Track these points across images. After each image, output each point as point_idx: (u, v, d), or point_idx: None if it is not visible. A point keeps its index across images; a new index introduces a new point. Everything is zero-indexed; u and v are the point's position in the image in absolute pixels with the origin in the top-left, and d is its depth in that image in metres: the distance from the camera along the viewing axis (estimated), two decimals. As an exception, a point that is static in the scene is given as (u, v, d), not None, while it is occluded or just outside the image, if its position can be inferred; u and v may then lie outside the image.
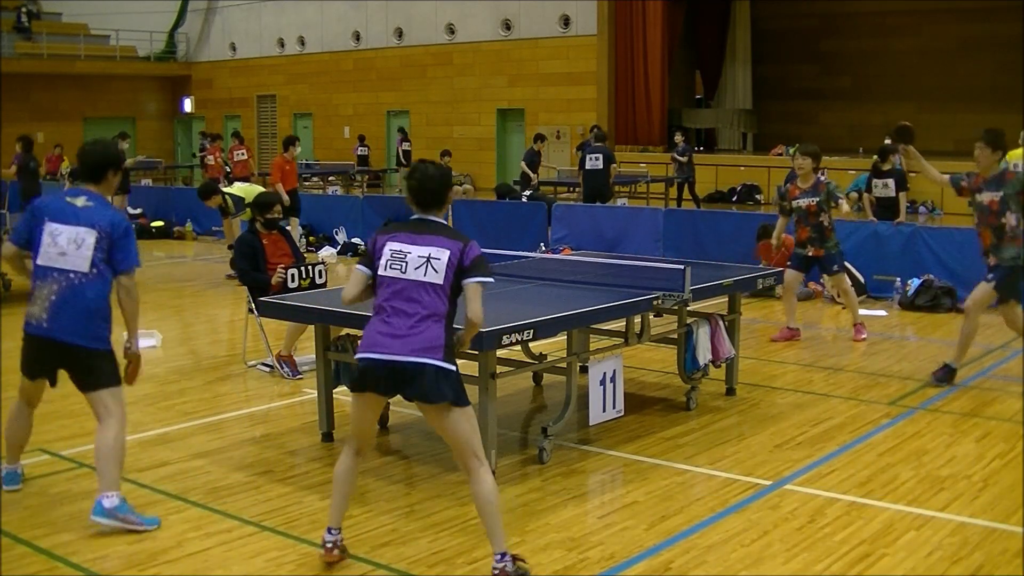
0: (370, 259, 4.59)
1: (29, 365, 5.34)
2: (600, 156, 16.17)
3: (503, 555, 4.43)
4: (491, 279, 4.59)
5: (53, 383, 5.40)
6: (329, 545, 4.61)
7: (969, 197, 7.82)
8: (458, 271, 4.45)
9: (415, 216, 4.62)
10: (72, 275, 5.10)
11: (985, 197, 7.65)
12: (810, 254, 9.36)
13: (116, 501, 5.03)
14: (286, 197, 14.46)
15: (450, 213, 16.39)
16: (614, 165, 16.71)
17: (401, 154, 26.95)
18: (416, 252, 4.47)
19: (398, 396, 4.58)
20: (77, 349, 5.14)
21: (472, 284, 4.47)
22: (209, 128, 34.21)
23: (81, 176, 5.31)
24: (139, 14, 34.21)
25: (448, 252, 4.45)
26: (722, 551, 4.79)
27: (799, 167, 9.42)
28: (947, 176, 8.04)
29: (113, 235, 5.12)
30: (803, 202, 9.31)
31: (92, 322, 5.14)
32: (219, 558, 4.72)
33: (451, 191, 4.70)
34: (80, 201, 5.18)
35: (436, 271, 4.44)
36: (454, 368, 4.46)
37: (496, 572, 4.41)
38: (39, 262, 5.19)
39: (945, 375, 7.86)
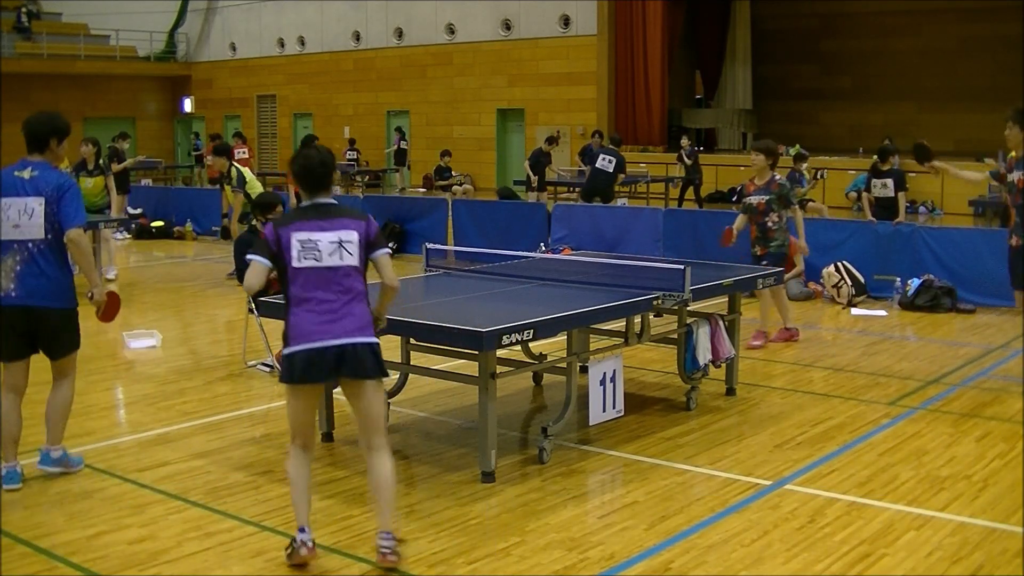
0: (270, 251, 4.65)
1: (5, 344, 5.56)
2: (614, 160, 16.11)
3: (390, 533, 4.60)
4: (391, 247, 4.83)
5: (34, 350, 5.66)
6: (310, 544, 4.59)
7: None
8: (366, 247, 4.66)
9: (308, 202, 4.73)
10: (30, 244, 5.45)
11: (1016, 176, 7.45)
12: (758, 253, 9.18)
13: (60, 452, 5.77)
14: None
15: (450, 213, 16.43)
16: (622, 175, 16.67)
17: (395, 153, 26.86)
18: (327, 238, 4.60)
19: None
20: (47, 312, 5.50)
21: (382, 255, 4.71)
22: (209, 128, 34.26)
23: (27, 146, 5.62)
24: (139, 14, 34.22)
25: (356, 233, 4.63)
26: (722, 551, 4.79)
27: (752, 163, 9.16)
28: (983, 173, 8.08)
29: (58, 196, 5.48)
30: (753, 199, 9.05)
31: (56, 284, 5.52)
32: (219, 558, 4.72)
33: (335, 172, 4.88)
34: (27, 173, 5.54)
35: (351, 253, 4.61)
36: (379, 342, 4.72)
37: (385, 549, 4.56)
38: (1, 238, 5.49)
39: None
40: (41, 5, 36.17)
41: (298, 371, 4.58)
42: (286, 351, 4.66)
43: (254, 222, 8.51)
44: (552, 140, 19.97)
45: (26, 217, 5.45)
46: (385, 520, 4.62)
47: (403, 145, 26.72)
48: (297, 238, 4.59)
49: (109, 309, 5.89)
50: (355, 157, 28.07)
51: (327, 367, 4.56)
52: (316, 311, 4.57)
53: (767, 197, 8.97)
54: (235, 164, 12.80)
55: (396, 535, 4.65)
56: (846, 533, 4.99)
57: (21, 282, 5.44)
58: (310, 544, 4.60)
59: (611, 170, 16.00)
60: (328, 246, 4.58)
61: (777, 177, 9.06)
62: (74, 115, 32.96)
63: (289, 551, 4.63)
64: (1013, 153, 7.71)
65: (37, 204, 5.44)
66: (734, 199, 23.89)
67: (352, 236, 4.61)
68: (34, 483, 5.69)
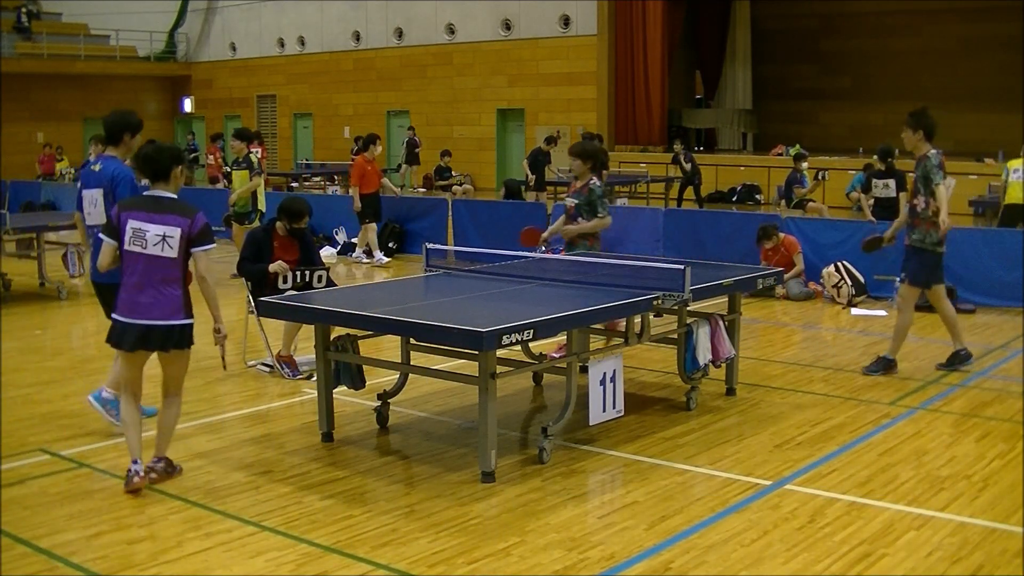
0: (115, 231, 5.44)
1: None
2: None
3: (161, 459, 5.60)
4: (213, 245, 5.46)
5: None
6: (141, 473, 5.43)
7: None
8: (188, 242, 5.36)
9: (148, 192, 5.50)
10: (96, 230, 6.13)
11: (918, 173, 8.08)
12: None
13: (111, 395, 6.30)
14: (358, 203, 14.19)
15: (449, 213, 16.38)
16: (605, 172, 16.69)
17: (407, 147, 26.66)
18: (153, 231, 5.34)
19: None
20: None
21: (199, 251, 5.41)
22: (209, 128, 34.27)
23: (105, 141, 6.42)
24: (139, 14, 34.24)
25: (179, 229, 5.34)
26: (722, 551, 4.79)
27: (571, 168, 8.79)
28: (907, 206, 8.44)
29: (112, 186, 6.21)
30: (568, 201, 8.71)
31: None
32: (219, 558, 4.72)
33: (178, 168, 5.54)
34: (97, 166, 6.44)
35: (171, 247, 5.35)
36: (191, 320, 5.52)
37: (150, 470, 5.50)
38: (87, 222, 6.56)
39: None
40: (41, 5, 36.17)
41: (113, 337, 5.46)
42: (114, 315, 5.48)
43: (276, 223, 8.25)
44: (551, 140, 19.96)
45: (92, 206, 6.39)
46: (162, 449, 5.62)
47: (416, 140, 26.49)
48: (131, 225, 5.37)
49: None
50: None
51: (139, 340, 5.39)
52: (137, 290, 5.38)
53: (576, 201, 8.54)
54: (252, 150, 12.97)
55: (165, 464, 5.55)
56: (846, 533, 4.99)
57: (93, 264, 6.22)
58: (141, 473, 5.42)
59: None
60: (153, 238, 5.34)
61: (594, 183, 8.48)
62: (74, 115, 33.05)
63: (126, 480, 5.42)
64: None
65: (99, 194, 6.32)
66: (734, 199, 23.94)
67: (175, 232, 5.34)
68: (34, 483, 5.69)
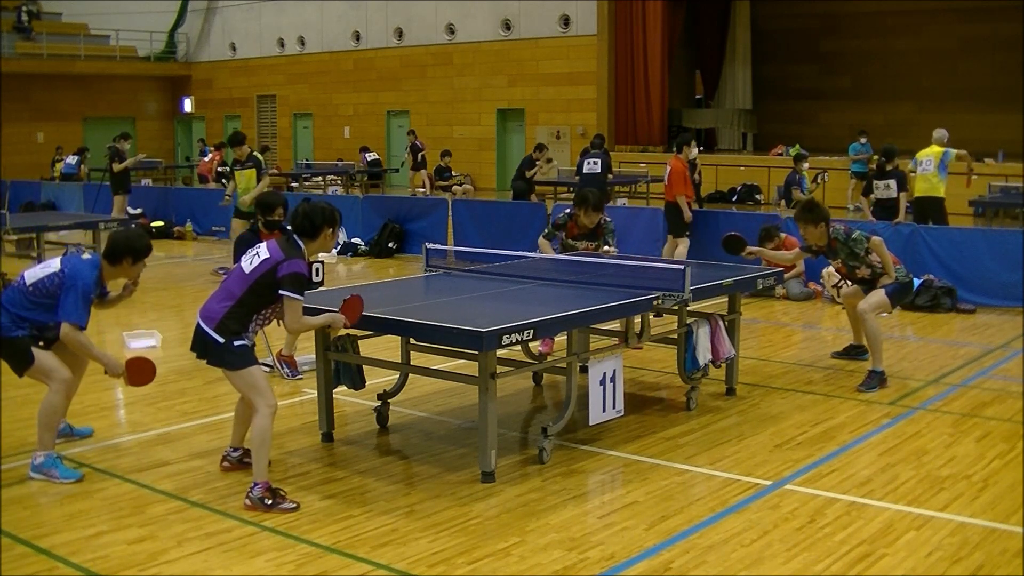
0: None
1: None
2: (599, 162, 16.15)
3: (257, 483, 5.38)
4: (300, 297, 5.37)
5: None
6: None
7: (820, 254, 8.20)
8: (273, 276, 5.32)
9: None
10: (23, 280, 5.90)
11: (833, 266, 8.19)
12: None
13: (41, 458, 5.74)
14: (688, 212, 12.36)
15: (449, 213, 16.36)
16: (610, 174, 16.73)
17: (411, 153, 26.61)
18: (257, 251, 5.46)
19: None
20: None
21: (286, 297, 5.35)
22: (209, 128, 34.26)
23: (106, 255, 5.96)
24: (139, 14, 34.22)
25: (270, 255, 5.37)
26: (722, 551, 4.79)
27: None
28: (796, 252, 8.49)
29: (65, 283, 5.72)
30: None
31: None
32: (219, 558, 4.72)
33: (329, 230, 5.51)
34: (87, 255, 6.13)
35: (252, 265, 5.38)
36: (224, 340, 5.36)
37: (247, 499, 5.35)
38: None
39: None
40: (41, 5, 36.15)
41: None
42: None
43: (258, 223, 8.37)
44: (541, 147, 20.11)
45: (42, 269, 5.90)
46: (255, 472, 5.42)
47: (419, 144, 26.44)
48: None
49: (133, 375, 5.97)
50: (375, 158, 28.05)
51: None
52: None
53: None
54: (256, 154, 13.13)
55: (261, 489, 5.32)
56: (846, 533, 4.99)
57: None
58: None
59: (599, 171, 16.03)
60: (252, 255, 5.48)
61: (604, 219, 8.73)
62: (74, 115, 33.06)
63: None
64: (812, 245, 8.08)
65: (51, 270, 5.82)
66: (734, 199, 23.93)
67: (266, 255, 5.41)
68: (34, 483, 5.69)
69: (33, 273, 5.80)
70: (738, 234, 8.18)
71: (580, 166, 16.61)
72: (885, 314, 10.65)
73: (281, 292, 5.32)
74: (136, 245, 5.91)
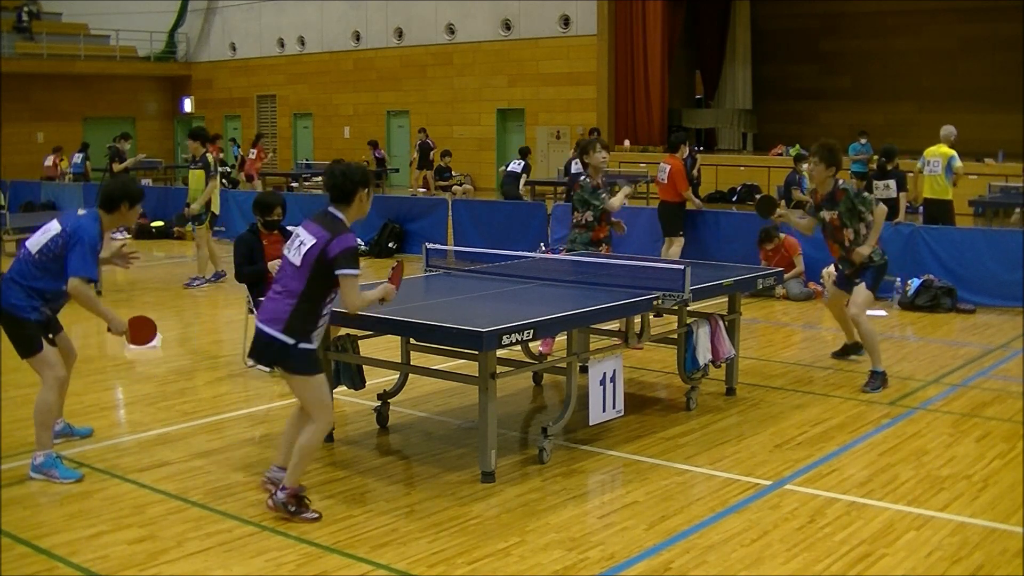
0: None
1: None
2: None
3: (285, 488, 5.13)
4: (357, 271, 5.03)
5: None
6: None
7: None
8: (323, 260, 4.95)
9: (326, 209, 5.15)
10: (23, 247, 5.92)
11: (825, 215, 7.92)
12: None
13: (41, 458, 5.70)
14: (697, 202, 13.02)
15: (449, 213, 16.36)
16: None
17: (420, 152, 26.61)
18: (301, 237, 5.08)
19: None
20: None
21: (343, 276, 5.00)
22: (210, 128, 34.22)
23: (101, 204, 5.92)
24: (139, 14, 34.23)
25: (315, 240, 4.99)
26: (722, 551, 4.79)
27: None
28: (809, 219, 8.25)
29: (67, 242, 5.68)
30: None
31: None
32: (219, 558, 4.72)
33: (364, 191, 5.12)
34: (82, 211, 5.95)
35: (299, 253, 5.03)
36: (292, 341, 5.03)
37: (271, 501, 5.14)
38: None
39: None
40: (41, 5, 36.15)
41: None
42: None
43: (256, 223, 8.39)
44: (525, 151, 20.55)
45: (42, 233, 5.83)
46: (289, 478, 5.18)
47: (430, 143, 26.42)
48: (296, 232, 5.16)
49: (136, 333, 6.03)
50: (382, 156, 28.03)
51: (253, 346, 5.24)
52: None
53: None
54: (209, 152, 12.76)
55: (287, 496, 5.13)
56: (846, 533, 4.99)
57: None
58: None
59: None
60: (296, 241, 5.10)
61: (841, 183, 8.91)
62: (74, 115, 33.04)
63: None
64: (816, 187, 8.07)
65: (51, 232, 5.78)
66: (734, 199, 23.93)
67: (311, 241, 5.02)
68: (34, 483, 5.69)
69: (35, 241, 5.75)
70: (771, 196, 8.26)
71: (568, 167, 16.85)
72: (882, 313, 10.68)
73: (337, 272, 4.94)
74: (131, 189, 5.92)
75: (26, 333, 5.71)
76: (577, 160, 16.41)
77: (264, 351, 5.07)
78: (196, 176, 12.68)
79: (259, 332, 5.05)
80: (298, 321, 5.00)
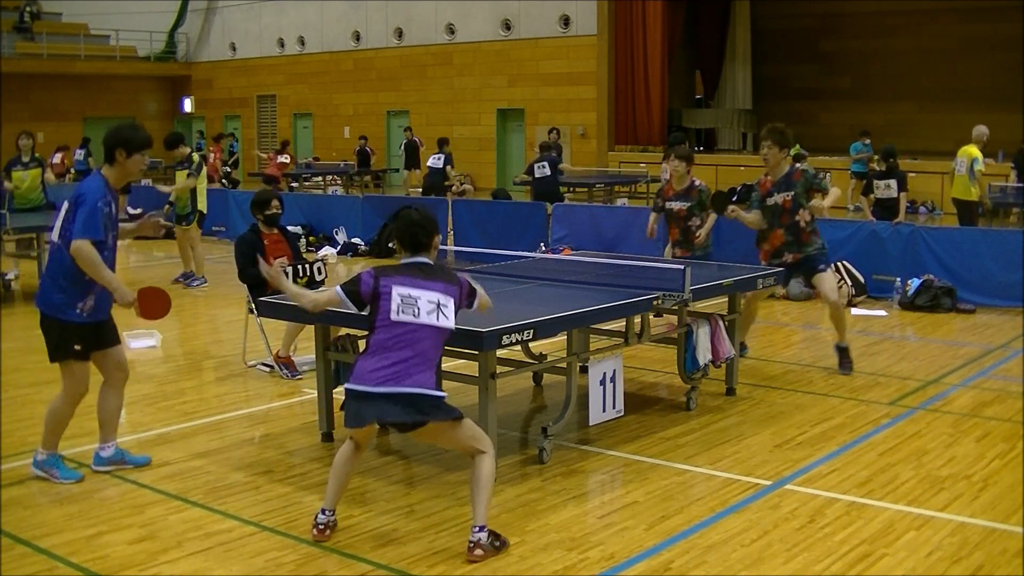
0: (357, 294, 4.79)
1: None
2: (546, 164, 16.85)
3: (483, 527, 4.70)
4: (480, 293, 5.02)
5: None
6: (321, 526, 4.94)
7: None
8: (458, 309, 4.84)
9: (408, 260, 4.87)
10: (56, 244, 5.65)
11: (778, 198, 8.03)
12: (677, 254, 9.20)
13: (43, 456, 5.69)
14: None
15: (449, 213, 16.37)
16: (561, 167, 17.71)
17: (405, 151, 26.54)
18: (425, 297, 4.71)
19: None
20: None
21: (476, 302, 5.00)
22: (209, 129, 34.23)
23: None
24: (139, 14, 34.24)
25: (452, 299, 4.77)
26: (722, 551, 4.79)
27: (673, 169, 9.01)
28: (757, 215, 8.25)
29: (74, 204, 5.45)
30: (675, 205, 9.02)
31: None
32: (219, 558, 4.72)
33: (436, 237, 4.95)
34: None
35: (447, 317, 4.74)
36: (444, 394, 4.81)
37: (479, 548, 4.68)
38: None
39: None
40: (41, 5, 36.16)
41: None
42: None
43: (256, 222, 8.40)
44: (443, 142, 20.82)
45: (55, 219, 5.58)
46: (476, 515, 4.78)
47: (418, 142, 26.32)
48: (398, 292, 4.71)
49: (146, 306, 5.75)
50: (366, 151, 27.70)
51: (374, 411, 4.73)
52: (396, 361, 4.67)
53: (686, 204, 8.96)
54: (194, 152, 12.99)
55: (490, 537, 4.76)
56: (846, 533, 4.99)
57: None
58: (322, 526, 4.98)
59: (548, 173, 16.79)
60: (426, 305, 4.71)
61: (697, 182, 9.00)
62: (74, 115, 33.04)
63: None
64: (767, 173, 8.18)
65: (63, 209, 5.55)
66: (733, 199, 23.95)
67: (449, 302, 4.76)
68: (34, 483, 5.69)
69: (55, 228, 5.49)
70: (723, 192, 8.39)
71: (531, 170, 17.04)
72: (882, 313, 10.68)
73: (474, 299, 4.97)
74: (124, 134, 5.50)
75: (62, 336, 5.51)
76: (539, 164, 16.71)
77: (420, 409, 4.70)
78: (181, 176, 13.00)
79: (407, 397, 4.67)
80: (437, 377, 4.99)
